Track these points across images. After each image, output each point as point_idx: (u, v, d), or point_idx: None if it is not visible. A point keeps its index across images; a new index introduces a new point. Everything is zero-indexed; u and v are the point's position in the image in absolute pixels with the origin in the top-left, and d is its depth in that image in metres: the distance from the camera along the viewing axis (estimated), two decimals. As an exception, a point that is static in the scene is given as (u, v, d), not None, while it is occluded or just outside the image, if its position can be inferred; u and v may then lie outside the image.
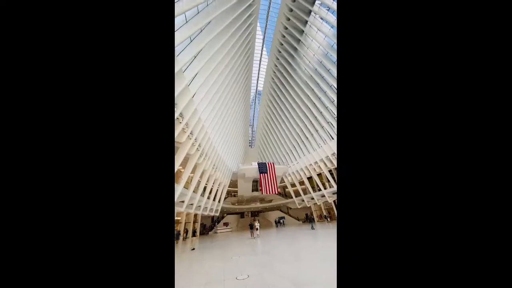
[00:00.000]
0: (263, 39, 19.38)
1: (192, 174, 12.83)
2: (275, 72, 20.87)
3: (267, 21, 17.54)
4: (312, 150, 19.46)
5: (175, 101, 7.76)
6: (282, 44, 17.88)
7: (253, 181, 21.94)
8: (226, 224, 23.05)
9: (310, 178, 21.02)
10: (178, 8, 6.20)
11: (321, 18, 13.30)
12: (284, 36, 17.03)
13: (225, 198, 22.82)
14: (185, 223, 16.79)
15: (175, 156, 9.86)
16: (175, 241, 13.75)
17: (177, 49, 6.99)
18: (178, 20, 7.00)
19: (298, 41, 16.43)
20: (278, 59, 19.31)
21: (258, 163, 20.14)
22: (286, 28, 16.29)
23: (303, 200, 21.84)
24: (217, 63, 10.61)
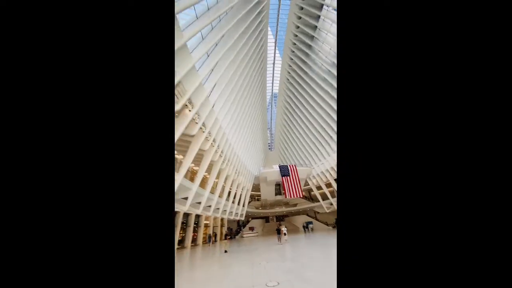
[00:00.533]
0: (275, 42, 19.49)
1: (217, 180, 13.45)
2: (289, 73, 20.57)
3: (277, 24, 17.64)
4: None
5: (198, 113, 8.42)
6: (294, 44, 17.61)
7: (276, 185, 21.57)
8: (251, 228, 23.11)
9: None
10: (194, 27, 6.86)
11: (334, 10, 12.63)
12: (296, 35, 16.77)
13: (249, 202, 23.02)
14: (213, 227, 17.54)
15: (201, 163, 10.56)
16: (208, 244, 14.49)
17: (196, 65, 7.65)
18: (195, 39, 7.71)
19: (312, 37, 15.91)
20: (292, 59, 19.02)
21: (279, 166, 19.77)
22: (298, 27, 16.03)
23: (331, 204, 20.23)
24: (232, 72, 11.14)
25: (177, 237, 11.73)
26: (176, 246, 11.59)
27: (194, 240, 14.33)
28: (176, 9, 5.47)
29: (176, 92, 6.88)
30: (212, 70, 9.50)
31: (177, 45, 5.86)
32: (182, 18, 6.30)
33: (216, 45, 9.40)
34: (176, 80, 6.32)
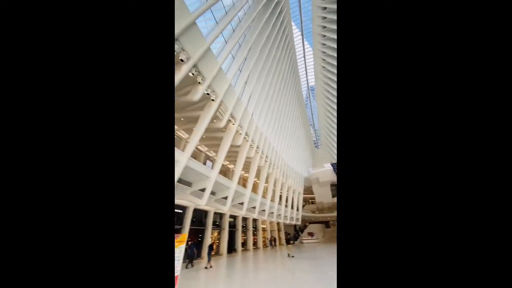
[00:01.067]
0: (302, 33, 18.43)
1: (266, 184, 13.80)
2: (324, 59, 18.55)
3: (301, 15, 16.71)
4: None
5: (240, 125, 9.20)
6: (324, 27, 15.87)
7: (331, 185, 19.26)
8: (311, 234, 21.49)
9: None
10: (225, 51, 7.77)
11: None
12: (324, 18, 15.10)
13: (303, 206, 21.77)
14: (271, 231, 17.84)
15: (250, 170, 11.28)
16: (269, 248, 14.91)
17: (232, 82, 8.54)
18: (228, 60, 8.68)
19: (345, 11, 13.73)
20: (324, 44, 17.14)
21: (332, 164, 17.58)
22: (325, 8, 14.41)
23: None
24: (264, 79, 11.48)
25: (240, 240, 12.84)
26: (240, 248, 12.67)
27: (255, 243, 15.12)
28: (208, 40, 6.45)
29: (220, 111, 7.92)
30: (246, 82, 10.23)
31: (214, 70, 6.84)
32: (214, 48, 7.33)
33: (246, 59, 10.12)
34: (218, 101, 7.30)
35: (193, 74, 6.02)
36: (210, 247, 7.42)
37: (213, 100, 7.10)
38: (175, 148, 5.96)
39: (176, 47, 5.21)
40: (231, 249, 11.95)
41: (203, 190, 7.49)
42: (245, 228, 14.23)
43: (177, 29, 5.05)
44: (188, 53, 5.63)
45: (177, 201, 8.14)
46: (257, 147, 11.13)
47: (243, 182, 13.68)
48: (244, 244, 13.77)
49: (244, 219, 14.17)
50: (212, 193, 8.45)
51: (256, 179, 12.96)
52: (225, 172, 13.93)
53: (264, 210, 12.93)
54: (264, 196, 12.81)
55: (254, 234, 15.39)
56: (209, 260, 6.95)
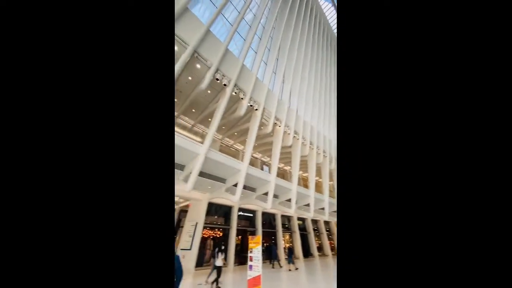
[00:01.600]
0: (333, 3, 15.72)
1: (331, 182, 12.26)
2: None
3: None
4: None
5: (287, 124, 9.05)
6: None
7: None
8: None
9: None
10: (257, 61, 8.17)
11: None
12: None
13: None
14: (350, 235, 15.26)
15: (309, 169, 10.58)
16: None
17: (269, 87, 8.72)
18: (261, 67, 9.03)
19: None
20: None
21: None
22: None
23: None
24: (300, 71, 10.77)
25: (314, 244, 12.03)
26: (316, 252, 11.81)
27: (332, 249, 13.52)
28: (241, 58, 7.09)
29: (264, 117, 8.27)
30: (283, 82, 10.08)
31: (252, 82, 7.36)
32: (246, 63, 7.94)
33: (277, 59, 10.08)
34: (261, 109, 7.68)
35: (235, 93, 6.81)
36: (290, 250, 7.54)
37: (256, 109, 7.57)
38: (235, 159, 6.84)
39: (218, 75, 6.18)
40: (307, 253, 11.42)
41: (266, 194, 7.91)
42: (317, 231, 13.19)
43: (217, 60, 6.03)
44: (228, 77, 6.49)
45: (247, 205, 9.11)
46: (310, 143, 10.34)
47: (303, 182, 13.00)
48: (320, 248, 12.73)
49: (315, 222, 13.20)
50: (275, 196, 8.69)
51: (318, 177, 11.90)
52: (283, 174, 13.98)
53: (335, 211, 11.44)
54: (332, 196, 11.41)
55: (330, 238, 13.84)
56: (292, 263, 7.04)
